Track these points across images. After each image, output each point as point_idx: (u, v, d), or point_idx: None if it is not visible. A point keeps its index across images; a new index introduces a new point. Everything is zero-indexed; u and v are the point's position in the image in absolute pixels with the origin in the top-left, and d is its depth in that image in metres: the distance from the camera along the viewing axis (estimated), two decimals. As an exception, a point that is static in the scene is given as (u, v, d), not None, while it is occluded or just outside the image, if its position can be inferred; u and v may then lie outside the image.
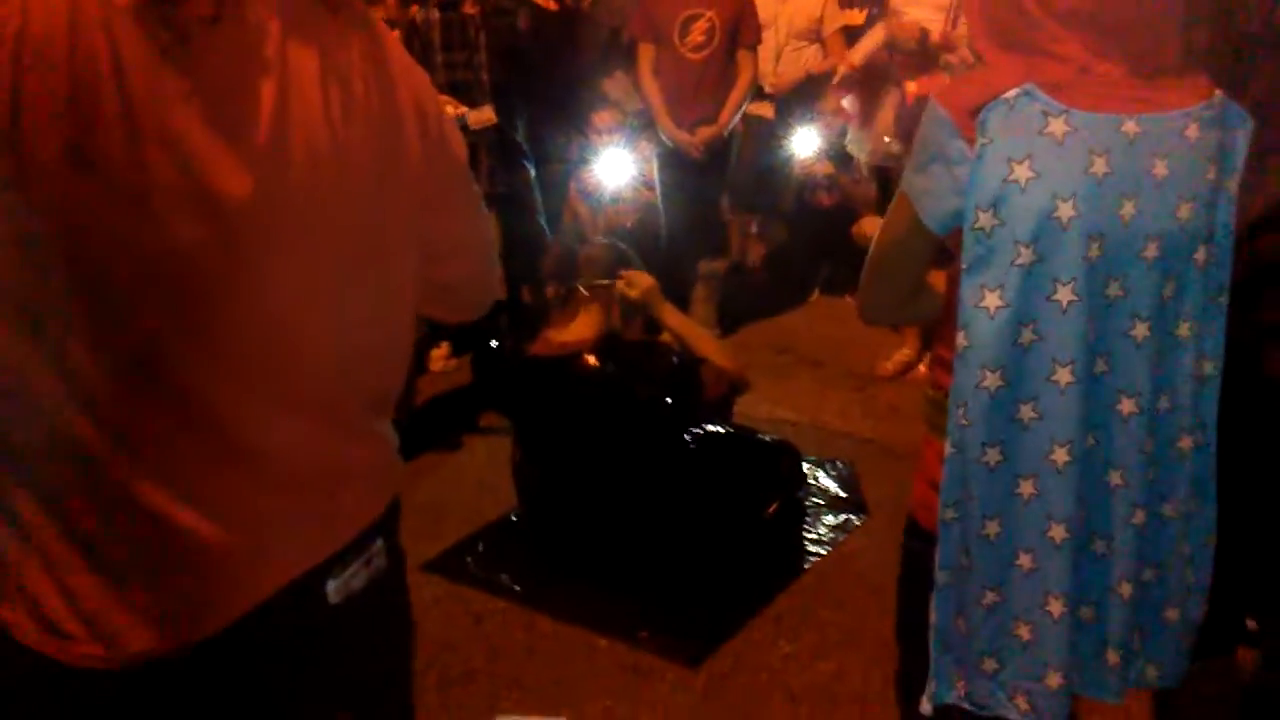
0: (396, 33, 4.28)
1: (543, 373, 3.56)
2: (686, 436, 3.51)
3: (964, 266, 1.45)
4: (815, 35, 5.56)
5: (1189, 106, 1.44)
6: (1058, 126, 1.39)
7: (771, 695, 2.95)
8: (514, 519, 3.77)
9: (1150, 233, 1.45)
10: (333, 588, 1.30)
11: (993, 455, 1.48)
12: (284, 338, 1.14)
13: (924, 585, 1.58)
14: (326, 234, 1.14)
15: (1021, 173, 1.40)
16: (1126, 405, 1.49)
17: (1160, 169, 1.43)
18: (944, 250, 1.57)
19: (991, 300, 1.43)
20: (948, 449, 1.50)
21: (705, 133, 5.10)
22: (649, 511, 3.40)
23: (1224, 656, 1.94)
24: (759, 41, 5.19)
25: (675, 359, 3.61)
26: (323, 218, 1.13)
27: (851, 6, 5.86)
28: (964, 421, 1.48)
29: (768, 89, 5.51)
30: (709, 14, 5.02)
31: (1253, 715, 2.00)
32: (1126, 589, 1.55)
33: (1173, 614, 1.61)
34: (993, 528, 1.51)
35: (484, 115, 4.62)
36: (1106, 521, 1.53)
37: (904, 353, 4.99)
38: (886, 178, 5.30)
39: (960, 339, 1.46)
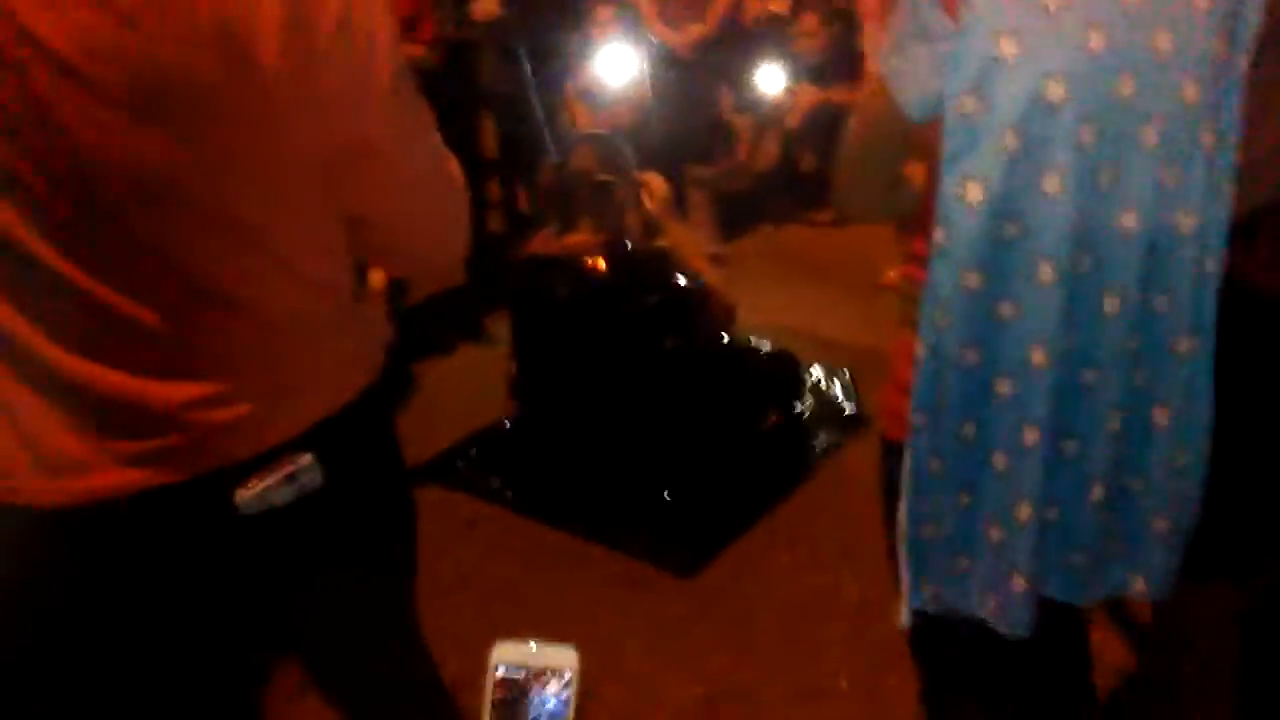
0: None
1: (544, 272, 3.46)
2: (688, 346, 3.42)
3: (945, 155, 1.34)
4: None
5: None
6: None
7: (766, 607, 2.92)
8: (508, 424, 3.70)
9: (1151, 114, 1.33)
10: (244, 499, 1.26)
11: (971, 355, 1.40)
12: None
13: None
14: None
15: (1008, 49, 1.28)
16: (1110, 304, 1.39)
17: (1163, 43, 1.31)
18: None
19: (974, 192, 1.33)
20: (921, 352, 1.42)
21: (694, 31, 4.89)
22: (647, 420, 3.34)
23: (1228, 580, 1.88)
24: None
25: (681, 271, 3.51)
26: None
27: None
28: (941, 323, 1.39)
29: None
30: None
31: (1257, 644, 1.94)
32: (1098, 492, 1.47)
33: (1161, 524, 1.52)
34: (969, 429, 1.43)
35: (487, 6, 4.41)
36: (1080, 423, 1.44)
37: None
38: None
39: (938, 235, 1.36)
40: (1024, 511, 1.44)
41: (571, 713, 0.94)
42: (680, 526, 3.23)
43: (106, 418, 1.20)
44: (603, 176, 3.53)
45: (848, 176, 1.58)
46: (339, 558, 1.40)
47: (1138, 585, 1.55)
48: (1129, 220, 1.36)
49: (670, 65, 5.03)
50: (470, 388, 3.99)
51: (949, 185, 1.34)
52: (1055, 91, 1.29)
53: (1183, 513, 1.51)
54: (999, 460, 1.44)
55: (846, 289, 4.87)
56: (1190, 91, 1.33)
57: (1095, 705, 1.90)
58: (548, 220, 3.68)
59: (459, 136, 4.27)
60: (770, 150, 5.80)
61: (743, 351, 3.69)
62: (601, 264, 3.43)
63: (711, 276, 3.61)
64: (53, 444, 1.20)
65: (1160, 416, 1.46)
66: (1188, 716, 1.99)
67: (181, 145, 1.10)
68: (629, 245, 3.52)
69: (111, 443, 1.20)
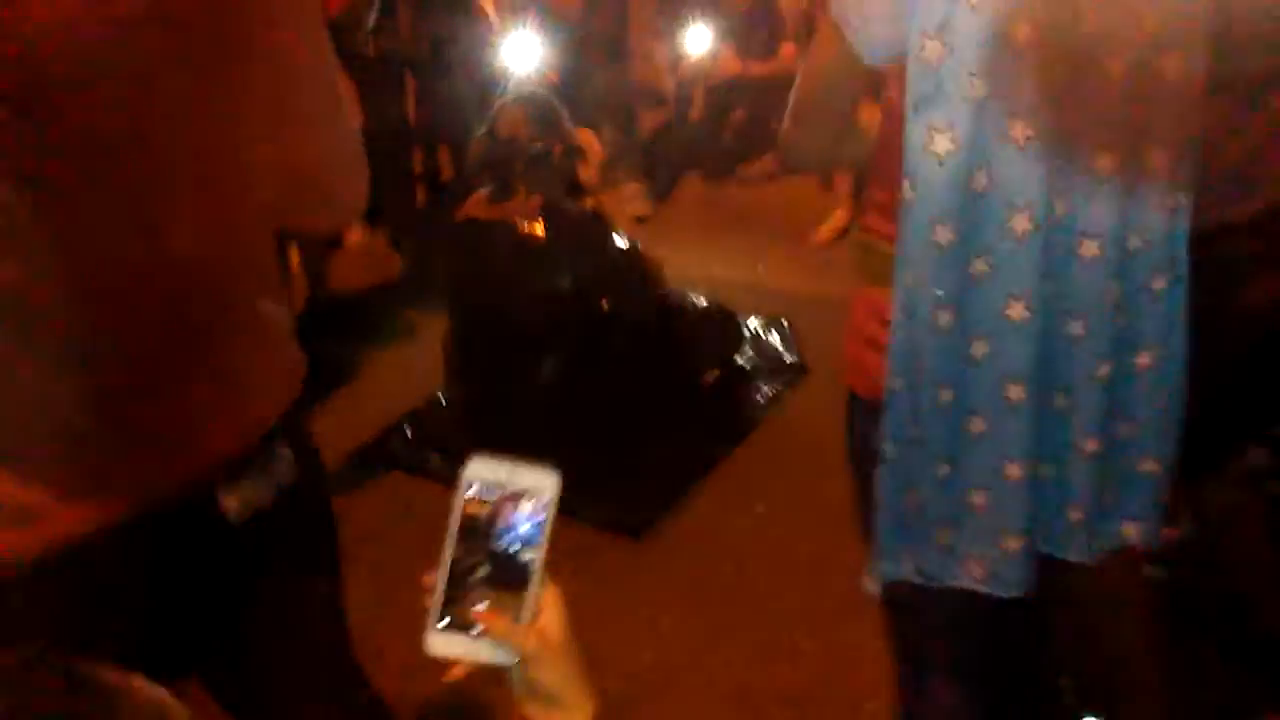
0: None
1: (476, 236, 3.35)
2: (624, 307, 3.34)
3: (909, 104, 1.26)
4: None
5: None
6: None
7: (721, 565, 2.87)
8: (444, 401, 3.60)
9: (1115, 51, 1.26)
10: (230, 503, 1.20)
11: (944, 317, 1.34)
12: None
13: (873, 461, 1.46)
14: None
15: None
16: (1088, 248, 1.34)
17: None
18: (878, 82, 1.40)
19: (941, 143, 1.26)
20: (895, 314, 1.36)
21: None
22: (586, 383, 3.25)
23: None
24: None
25: (615, 232, 3.43)
26: None
27: None
28: (911, 282, 1.33)
29: None
30: None
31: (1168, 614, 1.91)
32: (1091, 444, 1.42)
33: (1149, 466, 1.48)
34: (945, 394, 1.38)
35: None
36: (1068, 374, 1.39)
37: (838, 215, 4.82)
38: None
39: (906, 189, 1.29)
40: (1013, 470, 1.39)
41: (546, 539, 0.90)
42: (626, 489, 3.16)
43: (82, 445, 1.11)
44: (537, 142, 3.42)
45: (797, 126, 1.51)
46: (293, 559, 1.37)
47: (1129, 531, 1.51)
48: (1103, 161, 1.31)
49: (564, 22, 4.83)
50: (405, 372, 3.87)
51: (914, 136, 1.27)
52: (1022, 31, 1.23)
53: (1167, 452, 1.48)
54: (976, 424, 1.39)
55: (779, 239, 4.81)
56: (1151, 21, 1.27)
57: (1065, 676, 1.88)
58: (481, 185, 3.56)
59: (378, 101, 4.12)
60: (697, 107, 5.69)
61: (678, 308, 3.62)
62: (538, 229, 3.33)
63: (639, 236, 3.53)
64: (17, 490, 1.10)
65: (1144, 358, 1.42)
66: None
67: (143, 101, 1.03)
68: (564, 208, 3.43)
69: (88, 476, 1.12)
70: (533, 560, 0.90)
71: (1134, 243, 1.36)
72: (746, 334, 3.87)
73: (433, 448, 3.40)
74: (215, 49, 1.06)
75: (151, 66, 1.01)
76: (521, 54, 4.39)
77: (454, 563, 0.89)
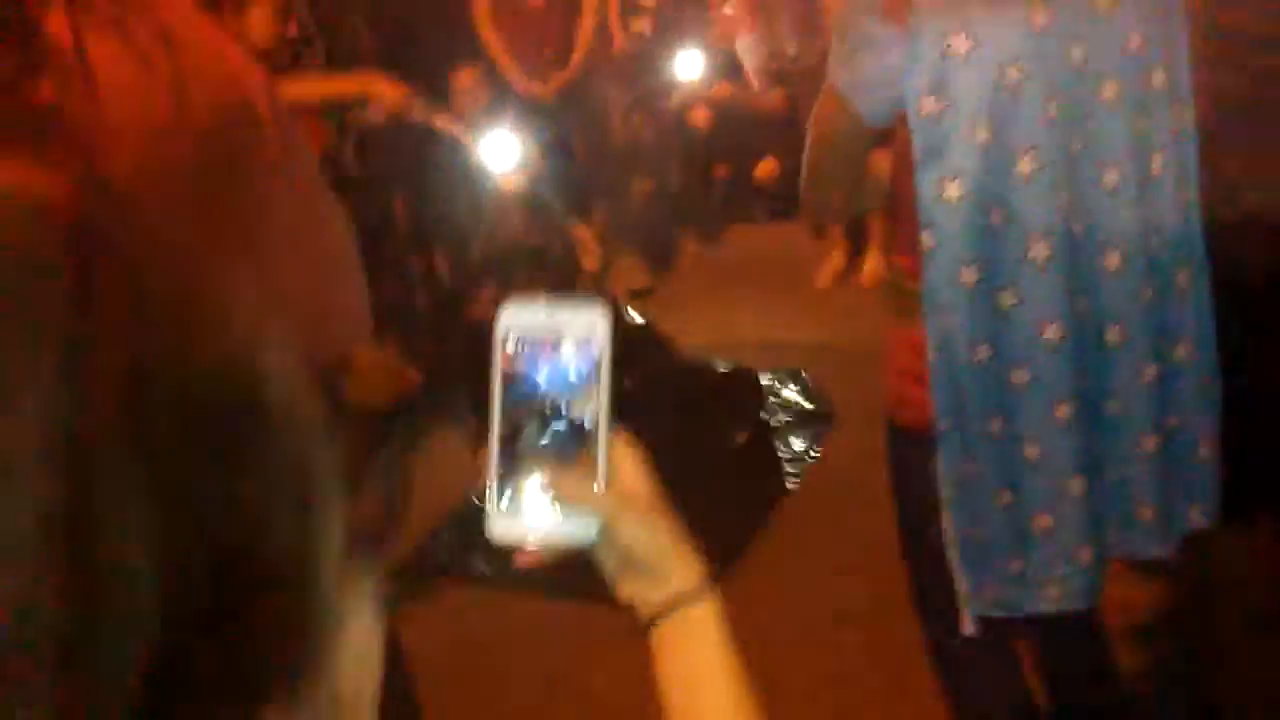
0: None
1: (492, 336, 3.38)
2: (645, 383, 3.35)
3: (917, 159, 1.33)
4: None
5: None
6: None
7: (780, 628, 2.84)
8: (475, 499, 3.58)
9: (1104, 71, 1.34)
10: None
11: (982, 352, 1.38)
12: None
13: (921, 492, 1.48)
14: None
15: (959, 45, 1.28)
16: (1111, 259, 1.39)
17: (1102, 2, 1.32)
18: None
19: (952, 190, 1.32)
20: (931, 356, 1.40)
21: (560, 77, 4.80)
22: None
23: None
24: None
25: (626, 312, 3.46)
26: None
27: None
28: (944, 324, 1.37)
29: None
30: None
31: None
32: (1150, 443, 1.46)
33: (1206, 451, 1.52)
34: (995, 425, 1.42)
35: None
36: (1114, 381, 1.44)
37: (834, 258, 4.86)
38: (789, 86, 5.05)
39: (926, 239, 1.35)
40: (1075, 486, 1.42)
41: (605, 384, 0.77)
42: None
43: None
44: (534, 237, 3.47)
45: (814, 189, 1.56)
46: None
47: (1195, 516, 1.54)
48: (1110, 176, 1.36)
49: (536, 114, 4.81)
50: (435, 480, 3.86)
51: (926, 187, 1.33)
52: (1013, 74, 1.29)
53: (1215, 432, 1.52)
54: (1031, 449, 1.42)
55: (781, 290, 4.84)
56: (1136, 41, 1.34)
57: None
58: (484, 286, 3.60)
59: (372, 216, 4.17)
60: (675, 169, 5.76)
61: (698, 376, 3.64)
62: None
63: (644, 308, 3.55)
64: None
65: (1181, 350, 1.47)
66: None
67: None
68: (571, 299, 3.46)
69: None
70: (593, 411, 0.78)
71: (1154, 243, 1.41)
72: (768, 390, 3.88)
73: (473, 550, 3.38)
74: (227, 170, 1.05)
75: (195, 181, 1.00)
76: (502, 151, 4.45)
77: (504, 431, 0.78)
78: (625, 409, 2.87)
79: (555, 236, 3.50)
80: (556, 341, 0.78)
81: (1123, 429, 1.46)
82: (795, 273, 4.91)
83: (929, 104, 1.30)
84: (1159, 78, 1.37)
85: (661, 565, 0.78)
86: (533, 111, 4.74)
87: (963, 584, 1.49)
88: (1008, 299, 1.36)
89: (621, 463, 0.79)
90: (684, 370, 3.53)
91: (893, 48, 1.31)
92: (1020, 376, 1.39)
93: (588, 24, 4.79)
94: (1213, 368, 1.49)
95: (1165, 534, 1.52)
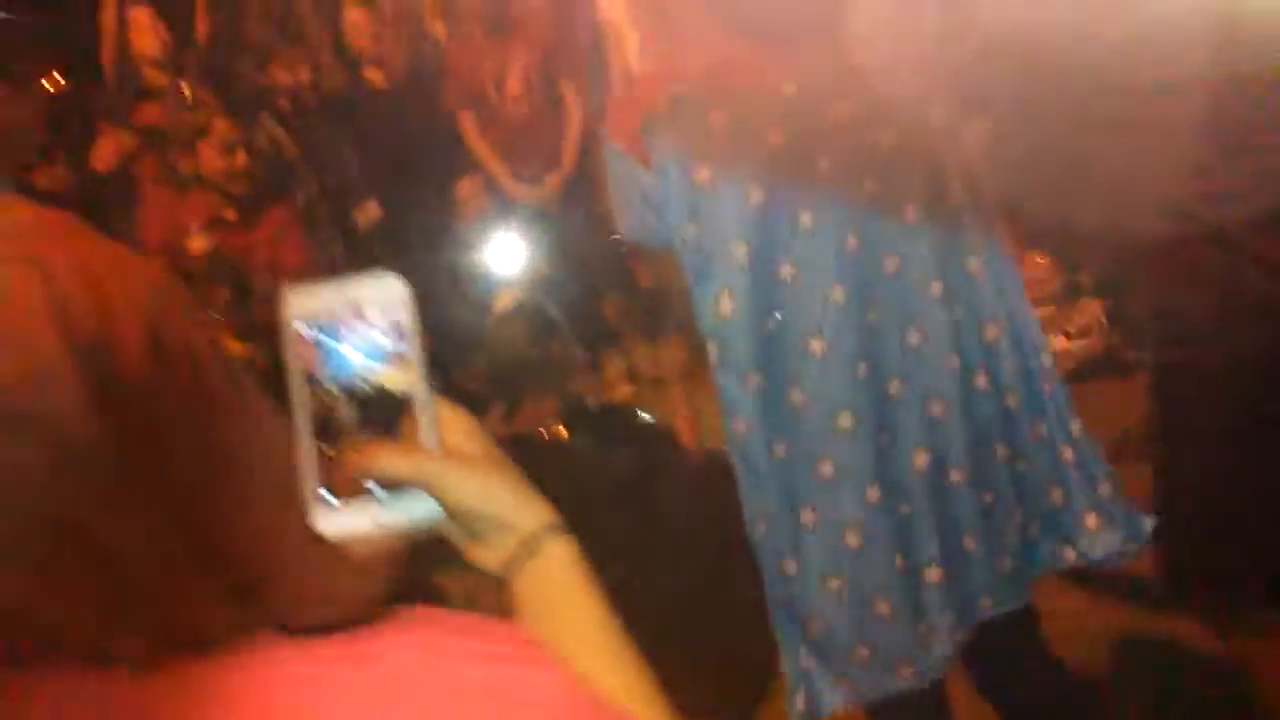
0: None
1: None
2: (668, 479, 3.39)
3: (690, 281, 1.42)
4: None
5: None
6: (718, 118, 1.36)
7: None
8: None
9: (854, 168, 1.39)
10: None
11: (779, 450, 1.44)
12: None
13: None
14: None
15: (704, 174, 1.37)
16: (915, 337, 1.44)
17: (842, 111, 1.38)
18: None
19: (725, 304, 1.40)
20: (736, 465, 1.47)
21: (553, 180, 4.76)
22: (652, 573, 3.28)
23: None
24: (584, 65, 4.66)
25: (635, 413, 3.51)
26: None
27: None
28: (742, 429, 1.44)
29: None
30: (519, 57, 4.65)
31: None
32: (985, 497, 1.49)
33: (1057, 496, 1.53)
34: (809, 516, 1.46)
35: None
36: (947, 447, 1.46)
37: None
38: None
39: (711, 352, 1.43)
40: (904, 564, 1.46)
41: (415, 350, 0.71)
42: (722, 670, 3.12)
43: None
44: (534, 349, 3.54)
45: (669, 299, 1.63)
46: None
47: (1069, 555, 1.56)
48: (889, 262, 1.41)
49: (535, 219, 4.80)
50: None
51: (703, 304, 1.41)
52: (757, 194, 1.36)
53: (1067, 475, 1.53)
54: (852, 537, 1.45)
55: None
56: (886, 137, 1.40)
57: None
58: (489, 401, 3.68)
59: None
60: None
61: (717, 466, 3.63)
62: (563, 431, 3.42)
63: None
64: None
65: (1012, 400, 1.49)
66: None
67: None
68: (581, 406, 3.53)
69: None
70: (409, 378, 0.72)
71: (958, 313, 1.45)
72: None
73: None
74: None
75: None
76: (506, 259, 4.47)
77: (317, 418, 0.71)
78: (650, 513, 2.80)
79: (560, 347, 3.58)
80: (356, 315, 0.72)
81: (966, 490, 1.47)
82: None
83: (688, 229, 1.39)
84: (887, 135, 1.41)
85: (507, 517, 0.73)
86: (535, 217, 4.77)
87: (803, 679, 1.51)
88: (796, 395, 1.42)
89: (448, 423, 0.74)
90: (700, 462, 3.55)
91: (643, 179, 1.40)
92: (826, 468, 1.44)
93: (573, 128, 4.78)
94: (1041, 406, 1.51)
95: (1024, 583, 1.54)
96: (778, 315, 1.40)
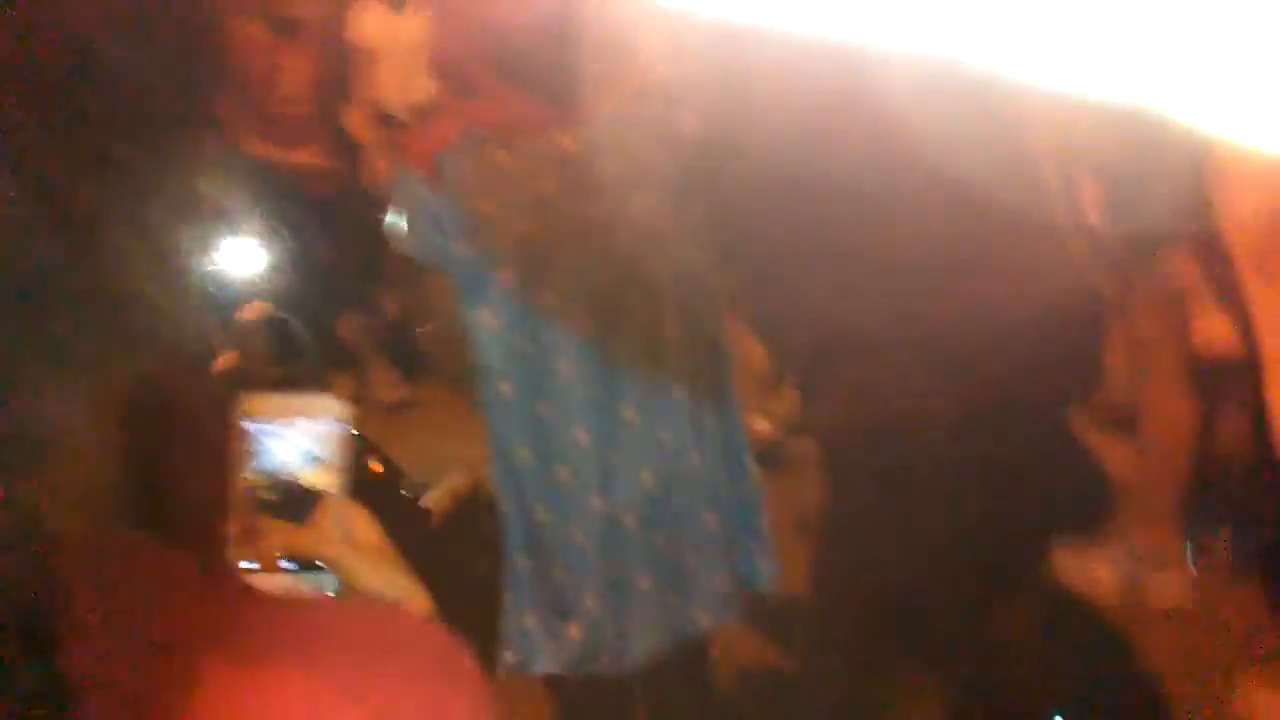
0: None
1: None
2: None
3: (459, 293, 1.64)
4: None
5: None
6: (503, 158, 1.59)
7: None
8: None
9: (616, 226, 1.61)
10: None
11: (524, 453, 1.70)
12: None
13: None
14: None
15: (484, 203, 1.58)
16: (630, 412, 1.71)
17: (605, 173, 1.60)
18: None
19: (490, 321, 1.62)
20: (492, 456, 1.72)
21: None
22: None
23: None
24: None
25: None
26: None
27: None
28: (497, 427, 1.70)
29: None
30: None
31: None
32: (711, 520, 1.78)
33: (719, 583, 1.82)
34: (542, 514, 1.72)
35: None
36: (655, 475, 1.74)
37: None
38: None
39: (477, 357, 1.65)
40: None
41: (339, 458, 0.88)
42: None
43: None
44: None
45: None
46: None
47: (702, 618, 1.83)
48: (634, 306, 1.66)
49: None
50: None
51: (471, 317, 1.64)
52: (535, 231, 1.59)
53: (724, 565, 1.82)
54: (577, 536, 1.73)
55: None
56: (640, 200, 1.61)
57: None
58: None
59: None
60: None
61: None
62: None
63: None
64: None
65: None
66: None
67: None
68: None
69: None
70: (325, 479, 0.88)
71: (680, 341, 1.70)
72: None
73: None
74: None
75: None
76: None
77: (246, 501, 0.86)
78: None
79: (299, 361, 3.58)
80: (293, 420, 0.89)
81: (681, 513, 1.74)
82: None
83: (461, 248, 1.60)
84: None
85: (387, 595, 0.88)
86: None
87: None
88: (542, 409, 1.66)
89: (353, 518, 0.90)
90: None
91: (433, 201, 1.60)
92: (562, 473, 1.69)
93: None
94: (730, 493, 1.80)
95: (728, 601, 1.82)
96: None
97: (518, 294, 1.62)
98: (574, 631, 1.74)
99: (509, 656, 1.73)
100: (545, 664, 1.75)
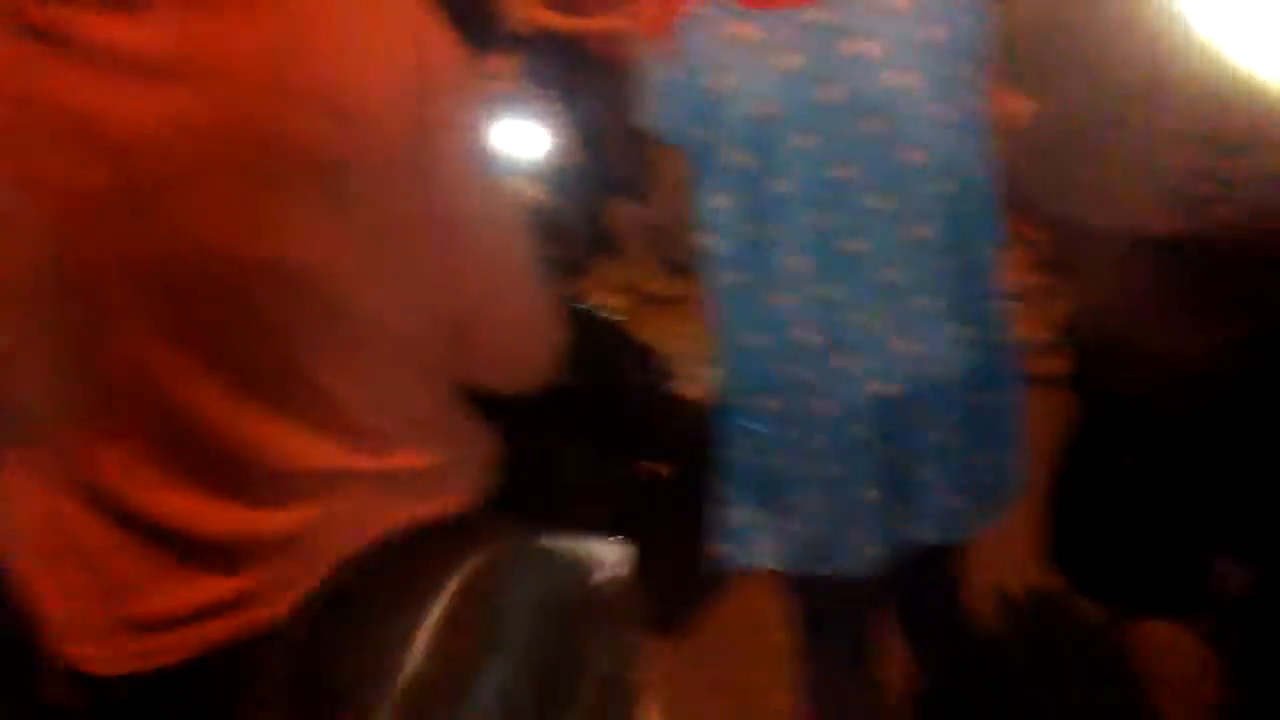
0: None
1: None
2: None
3: (692, 175, 1.56)
4: None
5: None
6: (745, 30, 1.47)
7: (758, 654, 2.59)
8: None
9: (864, 109, 1.48)
10: None
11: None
12: None
13: None
14: None
15: (725, 81, 1.48)
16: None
17: (856, 48, 1.46)
18: None
19: (722, 201, 1.54)
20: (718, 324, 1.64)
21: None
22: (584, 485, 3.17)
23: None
24: None
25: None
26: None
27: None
28: (723, 310, 1.62)
29: None
30: None
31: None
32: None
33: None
34: (773, 403, 1.66)
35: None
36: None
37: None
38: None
39: (703, 237, 1.58)
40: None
41: None
42: (650, 588, 3.13)
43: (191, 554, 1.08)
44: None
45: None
46: None
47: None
48: (871, 201, 1.52)
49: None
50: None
51: (700, 197, 1.56)
52: (769, 108, 1.47)
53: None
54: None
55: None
56: (906, 78, 1.47)
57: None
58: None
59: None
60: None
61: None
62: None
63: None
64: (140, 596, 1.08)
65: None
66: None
67: (298, 226, 1.00)
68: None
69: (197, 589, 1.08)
70: None
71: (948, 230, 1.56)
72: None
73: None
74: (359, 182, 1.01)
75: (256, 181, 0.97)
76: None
77: None
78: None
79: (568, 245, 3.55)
80: None
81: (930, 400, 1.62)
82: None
83: (696, 128, 1.52)
84: (931, 107, 1.49)
85: None
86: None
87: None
88: (772, 301, 1.56)
89: None
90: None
91: (665, 76, 1.53)
92: (790, 371, 1.59)
93: None
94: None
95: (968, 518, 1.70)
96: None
97: (752, 181, 1.52)
98: (792, 527, 1.68)
99: (722, 549, 1.69)
100: (760, 558, 1.70)
